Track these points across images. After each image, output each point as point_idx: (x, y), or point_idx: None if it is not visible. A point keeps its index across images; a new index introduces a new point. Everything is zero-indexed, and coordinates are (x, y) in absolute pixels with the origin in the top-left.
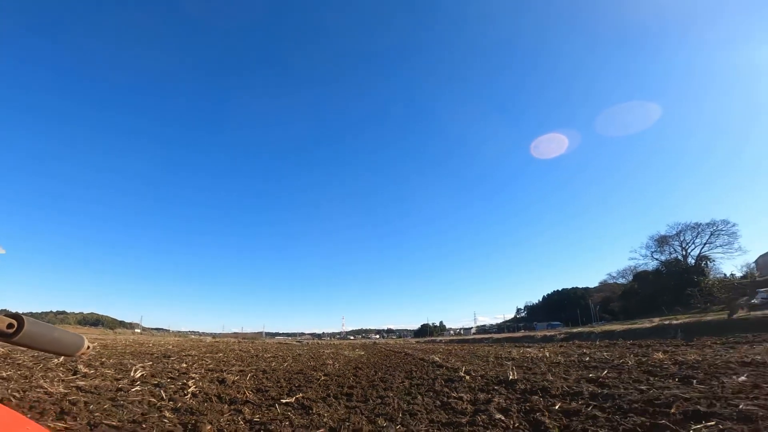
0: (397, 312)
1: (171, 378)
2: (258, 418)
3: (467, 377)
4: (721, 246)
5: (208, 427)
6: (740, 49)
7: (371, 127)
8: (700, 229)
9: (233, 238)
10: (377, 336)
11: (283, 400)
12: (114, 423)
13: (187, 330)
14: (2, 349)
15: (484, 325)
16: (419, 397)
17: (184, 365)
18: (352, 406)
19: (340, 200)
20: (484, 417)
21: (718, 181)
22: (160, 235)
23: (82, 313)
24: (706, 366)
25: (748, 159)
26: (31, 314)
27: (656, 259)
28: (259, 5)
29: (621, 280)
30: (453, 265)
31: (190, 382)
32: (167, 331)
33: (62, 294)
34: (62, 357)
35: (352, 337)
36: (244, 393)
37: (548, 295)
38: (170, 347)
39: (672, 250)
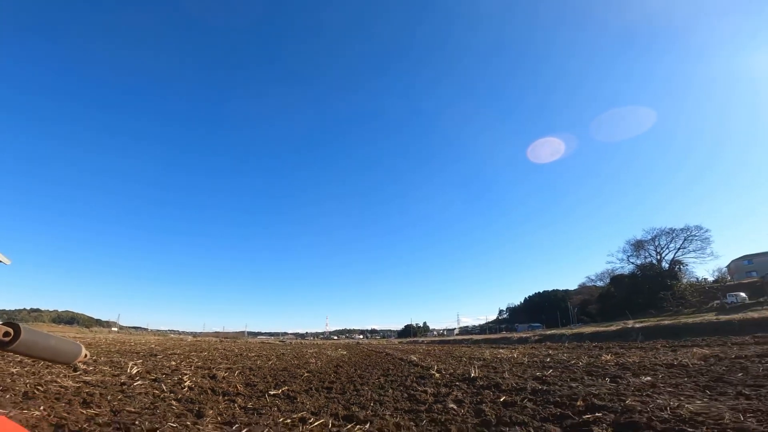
0: (382, 312)
1: (165, 374)
2: (251, 405)
3: (437, 375)
4: (694, 251)
5: (211, 411)
6: (717, 59)
7: (354, 132)
8: (674, 234)
9: (213, 238)
10: (361, 336)
11: (271, 392)
12: (132, 409)
13: (167, 329)
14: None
15: (467, 326)
16: (390, 390)
17: (173, 363)
18: (332, 397)
19: (327, 202)
20: (440, 406)
21: (694, 187)
22: (136, 233)
23: (57, 311)
24: (636, 367)
25: (722, 167)
26: (3, 312)
27: (632, 263)
28: (257, 6)
29: (599, 283)
30: (438, 267)
31: (184, 378)
32: (146, 329)
33: (35, 292)
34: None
35: (335, 337)
36: (236, 387)
37: (530, 297)
38: (153, 346)
39: (647, 254)
